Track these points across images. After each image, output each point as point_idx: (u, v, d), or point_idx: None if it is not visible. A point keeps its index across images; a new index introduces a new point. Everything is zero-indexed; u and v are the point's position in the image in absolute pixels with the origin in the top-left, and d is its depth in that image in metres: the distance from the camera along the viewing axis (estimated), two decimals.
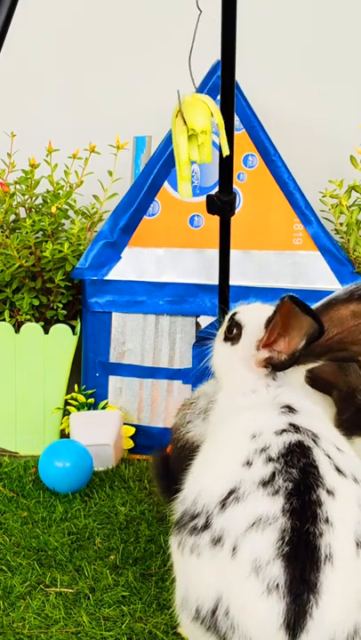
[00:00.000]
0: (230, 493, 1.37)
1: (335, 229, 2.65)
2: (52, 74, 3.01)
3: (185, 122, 1.74)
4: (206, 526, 1.38)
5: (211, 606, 1.35)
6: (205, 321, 2.59)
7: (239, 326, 1.69)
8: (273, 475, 1.37)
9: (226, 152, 1.82)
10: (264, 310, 1.68)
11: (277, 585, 1.29)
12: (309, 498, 1.34)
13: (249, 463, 1.40)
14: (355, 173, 2.67)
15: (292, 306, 1.49)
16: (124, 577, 1.93)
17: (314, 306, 1.60)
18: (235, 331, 1.69)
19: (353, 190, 2.64)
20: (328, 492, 1.36)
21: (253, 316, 1.70)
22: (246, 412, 1.54)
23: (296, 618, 1.28)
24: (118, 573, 1.95)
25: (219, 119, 1.78)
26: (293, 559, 1.30)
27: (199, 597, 1.37)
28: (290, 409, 1.52)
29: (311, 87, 2.98)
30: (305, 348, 1.53)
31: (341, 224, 2.62)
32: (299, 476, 1.36)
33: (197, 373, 2.56)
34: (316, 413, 1.57)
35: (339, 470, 1.40)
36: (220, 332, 1.76)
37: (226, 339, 1.72)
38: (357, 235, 2.60)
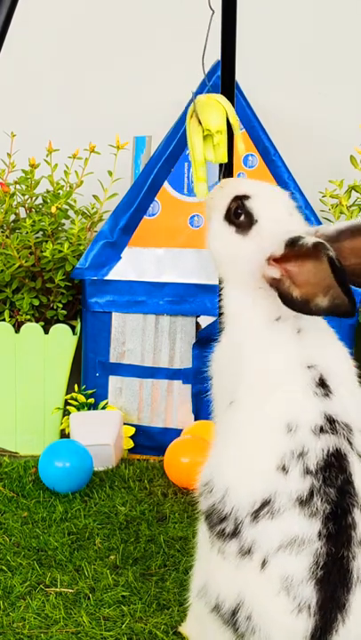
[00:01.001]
0: (264, 505, 1.35)
1: None
2: (52, 74, 3.01)
3: (200, 122, 1.73)
4: (235, 534, 1.36)
5: (232, 606, 1.36)
6: (205, 321, 2.59)
7: (250, 216, 1.52)
8: (311, 493, 1.34)
9: (242, 153, 1.84)
10: (282, 208, 1.53)
11: (309, 606, 1.31)
12: (345, 522, 1.34)
13: (285, 470, 1.36)
14: (355, 173, 2.67)
15: (328, 268, 1.33)
16: (124, 577, 1.92)
17: (337, 227, 1.45)
18: (242, 218, 1.52)
19: (353, 190, 2.64)
20: None
21: (272, 213, 1.52)
22: (275, 375, 1.43)
23: (323, 632, 1.30)
24: (118, 573, 1.95)
25: (233, 119, 1.78)
26: (326, 582, 1.31)
27: (220, 594, 1.37)
28: (323, 385, 1.42)
29: (311, 87, 2.98)
30: (325, 313, 1.39)
31: None
32: (336, 498, 1.34)
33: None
34: (348, 380, 1.47)
35: None
36: (219, 206, 1.57)
37: (229, 219, 1.55)
38: None
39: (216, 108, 1.76)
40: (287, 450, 1.37)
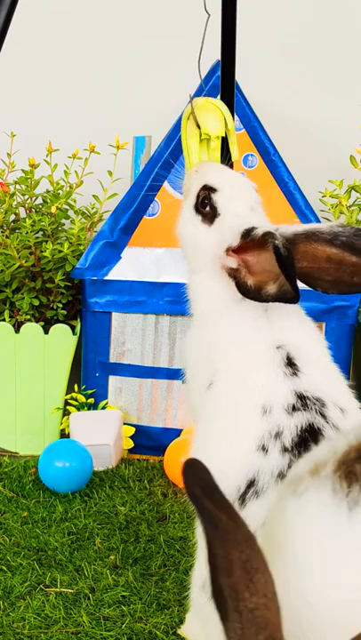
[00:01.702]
0: (249, 486, 1.37)
1: None
2: (52, 74, 3.01)
3: (198, 125, 1.74)
4: None
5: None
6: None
7: (214, 209, 1.60)
8: (289, 467, 1.36)
9: (235, 157, 1.82)
10: (243, 203, 1.59)
11: None
12: None
13: (265, 449, 1.39)
14: (355, 173, 2.67)
15: (268, 247, 1.42)
16: (124, 577, 1.92)
17: (294, 229, 1.51)
18: (208, 209, 1.61)
19: (353, 190, 2.64)
20: None
21: (232, 207, 1.59)
22: (245, 356, 1.48)
23: None
24: (118, 573, 1.95)
25: (230, 124, 1.78)
26: None
27: None
28: (291, 364, 1.47)
29: (311, 87, 2.98)
30: (273, 299, 1.46)
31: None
32: None
33: None
34: (316, 357, 1.52)
35: None
36: (191, 191, 1.64)
37: (197, 210, 1.63)
38: None
39: (215, 113, 1.76)
40: (265, 431, 1.41)
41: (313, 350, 1.53)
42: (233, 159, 1.81)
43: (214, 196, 1.61)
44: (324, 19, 2.95)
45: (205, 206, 1.61)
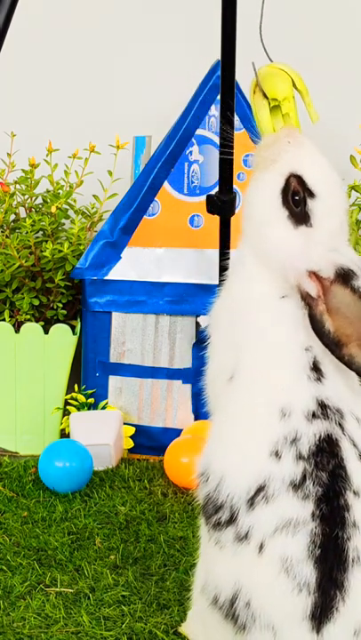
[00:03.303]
0: (259, 490, 1.36)
1: None
2: (51, 74, 3.01)
3: (264, 95, 1.58)
4: (231, 521, 1.37)
5: (230, 595, 1.36)
6: (205, 321, 2.59)
7: (307, 217, 1.39)
8: (304, 477, 1.35)
9: (315, 119, 1.62)
10: (341, 214, 1.40)
11: (308, 584, 1.32)
12: (338, 503, 1.35)
13: (278, 455, 1.37)
14: (355, 173, 2.67)
15: None
16: (124, 577, 1.92)
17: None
18: (300, 211, 1.38)
19: (353, 190, 2.64)
20: (355, 493, 1.36)
21: (330, 221, 1.38)
22: (276, 354, 1.39)
23: (323, 609, 1.32)
24: (118, 573, 1.95)
25: (301, 85, 1.62)
26: (324, 561, 1.32)
27: (218, 585, 1.38)
28: (318, 371, 1.40)
29: (311, 87, 2.97)
30: (356, 368, 1.36)
31: None
32: (328, 481, 1.36)
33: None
34: (340, 369, 1.43)
35: None
36: (278, 170, 1.41)
37: (286, 201, 1.39)
38: (357, 235, 2.60)
39: (280, 76, 1.61)
40: (281, 436, 1.37)
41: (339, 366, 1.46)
42: (312, 121, 1.61)
43: (311, 203, 1.38)
44: (324, 18, 2.95)
45: (298, 205, 1.38)
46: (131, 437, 2.61)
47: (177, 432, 2.61)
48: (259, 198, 1.44)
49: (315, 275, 1.37)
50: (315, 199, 1.39)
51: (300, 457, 1.37)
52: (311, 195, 1.39)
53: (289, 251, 1.39)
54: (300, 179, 1.40)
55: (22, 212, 2.79)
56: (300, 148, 1.46)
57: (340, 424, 1.40)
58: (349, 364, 1.36)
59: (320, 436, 1.38)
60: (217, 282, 2.29)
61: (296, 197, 1.39)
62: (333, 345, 1.35)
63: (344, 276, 1.34)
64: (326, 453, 1.37)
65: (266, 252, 1.42)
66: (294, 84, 1.62)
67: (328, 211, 1.39)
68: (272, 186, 1.41)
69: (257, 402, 1.41)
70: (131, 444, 2.61)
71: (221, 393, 1.48)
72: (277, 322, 1.42)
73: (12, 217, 2.73)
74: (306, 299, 1.38)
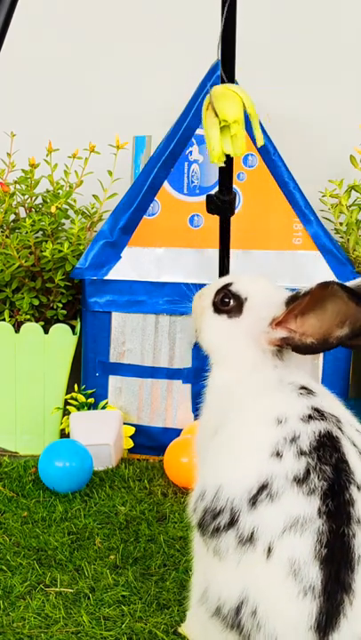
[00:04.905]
0: (261, 489, 1.34)
1: (335, 229, 2.65)
2: (51, 74, 3.01)
3: (216, 114, 1.67)
4: (232, 523, 1.34)
5: (235, 605, 1.33)
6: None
7: (238, 298, 1.60)
8: (307, 472, 1.34)
9: (260, 142, 1.75)
10: (265, 283, 1.62)
11: (313, 587, 1.29)
12: (343, 498, 1.33)
13: (279, 454, 1.36)
14: (355, 173, 2.67)
15: (336, 291, 1.41)
16: (124, 577, 1.93)
17: (352, 283, 1.50)
18: (231, 303, 1.60)
19: (353, 190, 2.64)
20: (358, 487, 1.36)
21: (257, 288, 1.61)
22: (261, 394, 1.48)
23: (328, 617, 1.29)
24: (118, 573, 1.95)
25: (251, 109, 1.71)
26: (330, 561, 1.30)
27: (222, 596, 1.35)
28: (306, 390, 1.47)
29: (311, 87, 2.98)
30: (348, 338, 1.46)
31: (341, 224, 2.62)
32: (333, 475, 1.35)
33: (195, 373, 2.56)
34: (329, 393, 1.53)
35: None
36: (207, 304, 1.65)
37: (219, 311, 1.62)
38: (357, 234, 2.60)
39: (233, 99, 1.69)
40: (279, 438, 1.38)
41: (327, 391, 1.54)
42: (258, 144, 1.75)
43: (233, 287, 1.62)
44: (324, 18, 2.95)
45: (228, 302, 1.61)
46: (131, 437, 2.61)
47: (177, 432, 2.61)
48: (209, 331, 1.65)
49: (276, 323, 1.53)
50: (233, 284, 1.63)
51: (301, 453, 1.36)
52: (228, 284, 1.63)
53: (246, 332, 1.58)
54: (218, 290, 1.64)
55: (22, 212, 2.79)
56: (203, 289, 1.72)
57: (338, 426, 1.41)
58: (340, 341, 1.47)
59: (320, 432, 1.39)
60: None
61: (224, 299, 1.62)
62: (323, 344, 1.48)
63: (292, 298, 1.51)
64: (328, 447, 1.37)
65: (234, 353, 1.60)
66: (245, 108, 1.71)
67: (248, 282, 1.63)
68: (209, 314, 1.64)
69: (252, 417, 1.45)
70: (131, 443, 2.61)
71: (208, 441, 1.54)
72: (263, 388, 1.53)
73: (12, 217, 2.73)
74: (282, 343, 1.53)
